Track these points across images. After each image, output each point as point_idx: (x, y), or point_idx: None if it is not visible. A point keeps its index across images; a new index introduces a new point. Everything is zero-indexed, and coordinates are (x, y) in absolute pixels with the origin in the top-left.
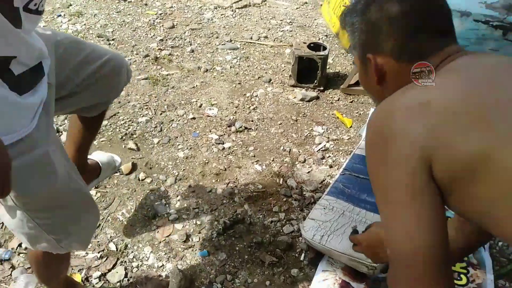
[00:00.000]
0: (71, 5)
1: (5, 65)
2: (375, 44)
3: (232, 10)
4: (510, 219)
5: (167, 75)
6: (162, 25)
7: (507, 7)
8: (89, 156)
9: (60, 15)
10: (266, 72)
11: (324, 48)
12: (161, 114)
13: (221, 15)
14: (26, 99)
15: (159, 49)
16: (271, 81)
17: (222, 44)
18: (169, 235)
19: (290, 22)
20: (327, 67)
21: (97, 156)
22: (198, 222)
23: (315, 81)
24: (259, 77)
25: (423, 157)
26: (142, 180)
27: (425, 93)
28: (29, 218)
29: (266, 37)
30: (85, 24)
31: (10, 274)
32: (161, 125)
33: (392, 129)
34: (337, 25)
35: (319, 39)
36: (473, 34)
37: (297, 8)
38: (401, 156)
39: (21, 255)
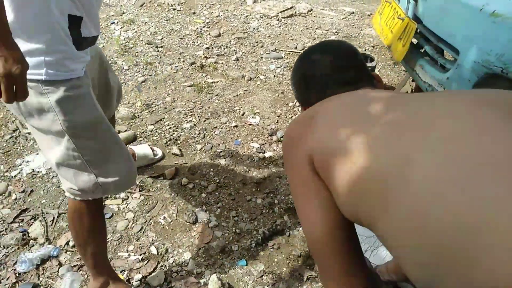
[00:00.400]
0: (124, 13)
1: (77, 25)
2: (303, 99)
3: (278, 20)
4: (347, 206)
5: (212, 82)
6: (209, 34)
7: None
8: (132, 147)
9: (113, 22)
10: None
11: (372, 60)
12: (204, 121)
13: (267, 24)
14: (81, 53)
15: (205, 57)
16: None
17: (267, 53)
18: (209, 242)
19: (336, 32)
20: None
21: (137, 147)
22: (238, 231)
23: None
24: None
25: (308, 157)
26: (185, 185)
27: (313, 111)
28: (74, 146)
29: None
30: (136, 31)
31: (57, 271)
32: (205, 132)
33: (290, 138)
34: (389, 37)
35: (366, 49)
36: None
37: (343, 18)
38: (294, 158)
39: (68, 252)
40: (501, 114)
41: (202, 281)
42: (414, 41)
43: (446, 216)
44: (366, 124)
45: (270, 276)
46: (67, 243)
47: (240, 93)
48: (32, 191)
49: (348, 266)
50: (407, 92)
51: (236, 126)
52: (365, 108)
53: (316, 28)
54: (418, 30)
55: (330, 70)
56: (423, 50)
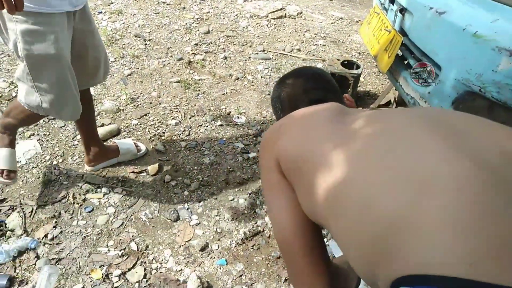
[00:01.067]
0: (112, 3)
1: None
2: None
3: (268, 20)
4: (307, 208)
5: (199, 80)
6: (198, 30)
7: None
8: (115, 141)
9: (101, 12)
10: None
11: (358, 67)
12: (190, 118)
13: (256, 24)
14: None
15: (193, 53)
16: None
17: (255, 53)
18: (189, 240)
19: (324, 36)
20: (358, 85)
21: (121, 141)
22: (218, 230)
23: None
24: None
25: (276, 162)
26: (167, 182)
27: (284, 119)
28: (28, 72)
29: (299, 49)
30: (124, 23)
31: (35, 264)
32: (190, 129)
33: (265, 142)
34: (375, 48)
35: (352, 55)
36: None
37: (332, 23)
38: (266, 161)
39: (46, 245)
40: (435, 136)
41: (181, 279)
42: (399, 53)
43: (377, 218)
44: (318, 135)
45: (249, 276)
46: (46, 236)
47: (226, 92)
48: None
49: (313, 264)
50: (390, 100)
51: (221, 125)
52: (319, 121)
53: (305, 31)
54: (404, 42)
55: (301, 91)
56: (407, 62)
